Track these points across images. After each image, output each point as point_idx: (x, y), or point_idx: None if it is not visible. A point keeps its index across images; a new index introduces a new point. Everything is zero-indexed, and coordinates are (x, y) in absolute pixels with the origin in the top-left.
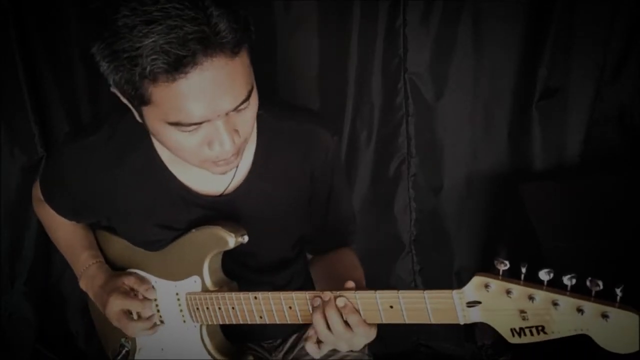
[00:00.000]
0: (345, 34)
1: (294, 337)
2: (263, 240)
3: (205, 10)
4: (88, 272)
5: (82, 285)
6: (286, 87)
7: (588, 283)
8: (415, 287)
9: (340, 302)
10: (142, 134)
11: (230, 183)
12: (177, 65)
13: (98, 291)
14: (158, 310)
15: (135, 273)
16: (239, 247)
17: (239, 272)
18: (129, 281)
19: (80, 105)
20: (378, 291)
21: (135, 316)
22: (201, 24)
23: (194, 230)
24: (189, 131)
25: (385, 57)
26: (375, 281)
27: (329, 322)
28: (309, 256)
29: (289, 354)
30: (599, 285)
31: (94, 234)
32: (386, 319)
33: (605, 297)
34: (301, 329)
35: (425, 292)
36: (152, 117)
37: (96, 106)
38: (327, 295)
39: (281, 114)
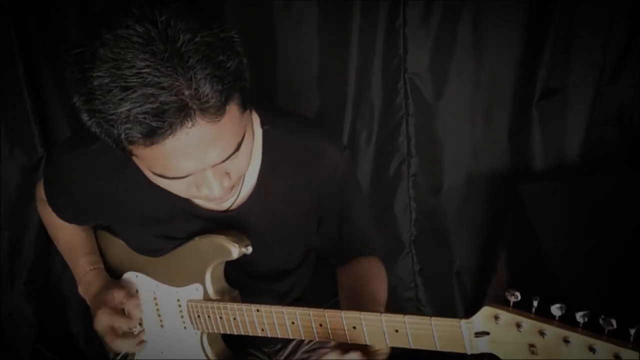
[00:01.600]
0: (345, 34)
1: (294, 342)
2: (266, 253)
3: (186, 73)
4: (86, 278)
5: (80, 291)
6: (286, 87)
7: (601, 321)
8: (415, 287)
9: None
10: None
11: (234, 201)
12: (152, 135)
13: (92, 301)
14: (159, 315)
15: (126, 288)
16: (242, 257)
17: (240, 279)
18: (118, 296)
19: None
20: (384, 314)
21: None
22: (180, 93)
23: (197, 238)
24: (175, 180)
25: (385, 57)
26: None
27: None
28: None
29: (289, 359)
30: (612, 325)
31: (95, 235)
32: (391, 342)
33: (618, 336)
34: None
35: (432, 318)
36: (138, 163)
37: None
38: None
39: (288, 129)
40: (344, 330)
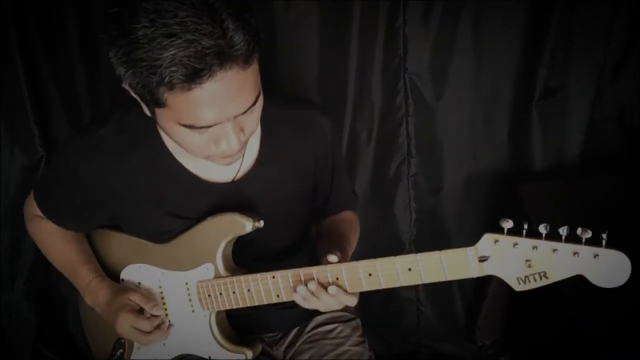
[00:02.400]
0: (345, 34)
1: (294, 331)
2: (271, 226)
3: (221, 23)
4: (90, 287)
5: (87, 301)
6: (286, 87)
7: (579, 231)
8: (415, 287)
9: (331, 290)
10: (149, 128)
11: (238, 170)
12: (194, 77)
13: (105, 308)
14: (164, 304)
15: (140, 289)
16: (247, 236)
17: (243, 262)
18: (134, 298)
19: (80, 105)
20: (397, 257)
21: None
22: (218, 38)
23: (209, 218)
24: (200, 132)
25: (385, 57)
26: None
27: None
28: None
29: (290, 348)
30: (588, 233)
31: (89, 244)
32: (404, 280)
33: (593, 244)
34: (302, 322)
35: (442, 252)
36: (165, 118)
37: (96, 106)
38: (313, 284)
39: (282, 103)
40: (360, 278)
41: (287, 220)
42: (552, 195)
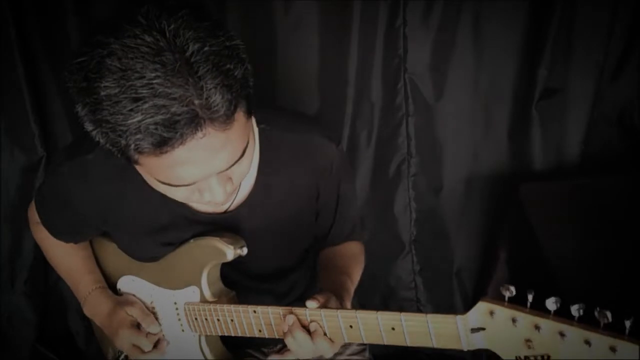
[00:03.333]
0: (345, 34)
1: None
2: (266, 252)
3: (197, 83)
4: (90, 299)
5: (87, 312)
6: (286, 87)
7: (596, 314)
8: (415, 287)
9: (312, 327)
10: None
11: (233, 201)
12: (163, 146)
13: (105, 321)
14: (157, 318)
15: (138, 303)
16: (239, 258)
17: (238, 280)
18: (132, 312)
19: None
20: (379, 312)
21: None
22: (191, 103)
23: (192, 240)
24: (179, 188)
25: (385, 57)
26: (375, 281)
27: (299, 343)
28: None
29: None
30: (607, 318)
31: (92, 250)
32: (388, 340)
33: (613, 328)
34: None
35: (428, 315)
36: (141, 171)
37: None
38: (291, 319)
39: (283, 126)
40: (341, 329)
41: (285, 246)
42: (552, 195)
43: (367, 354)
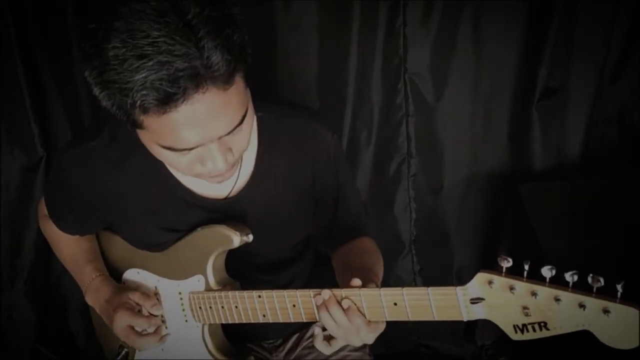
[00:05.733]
0: (345, 34)
1: (295, 337)
2: (267, 240)
3: (198, 43)
4: (92, 286)
5: (88, 300)
6: (286, 87)
7: (589, 279)
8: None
9: (345, 303)
10: None
11: (233, 186)
12: (167, 101)
13: (104, 306)
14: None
15: (140, 288)
16: (243, 247)
17: (240, 271)
18: (134, 297)
19: (80, 105)
20: (382, 288)
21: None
22: (193, 60)
23: (199, 229)
24: (182, 153)
25: (385, 57)
26: None
27: (335, 319)
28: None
29: (290, 354)
30: (600, 282)
31: (97, 241)
32: (390, 316)
33: (606, 294)
34: (302, 329)
35: (429, 288)
36: (145, 138)
37: (96, 106)
38: (327, 293)
39: (281, 114)
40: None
41: (285, 234)
42: (552, 195)
43: (367, 349)
